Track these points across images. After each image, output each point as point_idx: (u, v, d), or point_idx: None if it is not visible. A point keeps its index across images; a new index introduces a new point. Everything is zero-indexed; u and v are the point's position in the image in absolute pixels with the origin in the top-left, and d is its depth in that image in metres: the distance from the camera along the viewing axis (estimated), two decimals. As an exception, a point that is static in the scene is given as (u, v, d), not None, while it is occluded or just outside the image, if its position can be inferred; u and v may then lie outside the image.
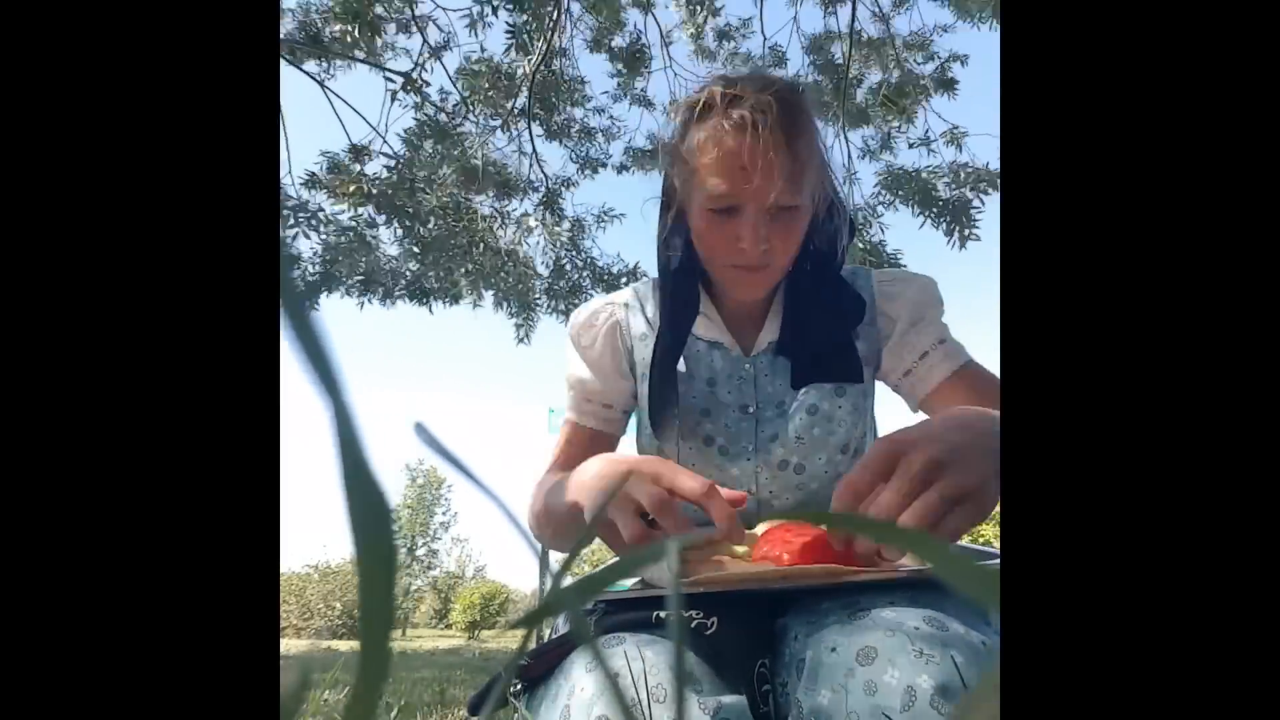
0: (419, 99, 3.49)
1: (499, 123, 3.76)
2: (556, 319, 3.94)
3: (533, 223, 3.81)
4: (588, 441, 0.84)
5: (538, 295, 3.88)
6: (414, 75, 3.43)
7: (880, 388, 0.85)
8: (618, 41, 3.98)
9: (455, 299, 3.83)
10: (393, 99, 3.48)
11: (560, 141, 4.08)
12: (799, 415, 0.76)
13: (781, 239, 0.70)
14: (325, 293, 3.66)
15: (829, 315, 0.77)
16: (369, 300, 3.66)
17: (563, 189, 4.05)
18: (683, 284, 0.79)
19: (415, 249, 3.49)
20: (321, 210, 3.40)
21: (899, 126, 3.89)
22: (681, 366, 0.80)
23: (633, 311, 0.84)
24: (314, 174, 3.44)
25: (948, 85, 3.89)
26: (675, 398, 0.77)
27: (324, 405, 0.09)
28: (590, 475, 0.61)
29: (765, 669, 0.52)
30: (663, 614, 0.52)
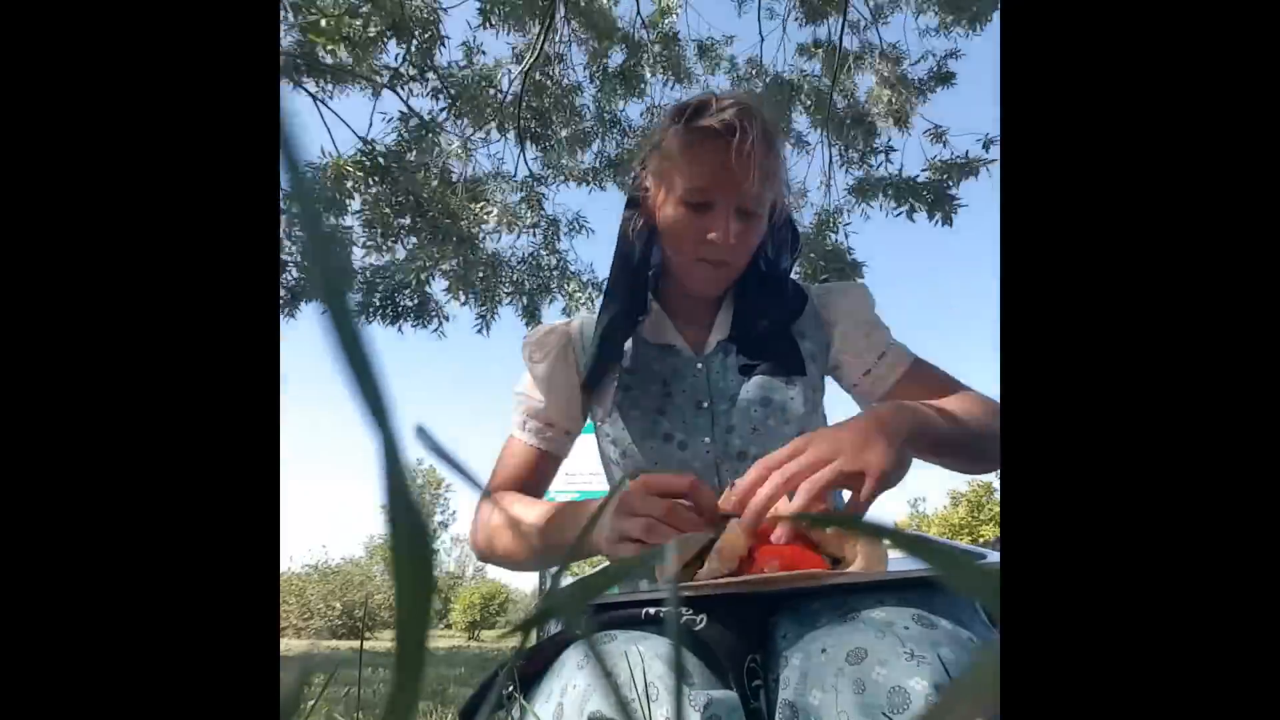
0: (405, 96, 3.51)
1: (490, 125, 3.77)
2: (518, 313, 3.98)
3: (514, 214, 3.82)
4: (532, 460, 0.86)
5: (507, 287, 3.91)
6: (401, 70, 3.44)
7: (835, 389, 0.92)
8: (615, 60, 4.02)
9: (424, 322, 3.85)
10: (376, 95, 3.49)
11: (544, 149, 4.11)
12: (753, 407, 0.80)
13: (743, 239, 0.78)
14: (307, 300, 3.67)
15: (775, 310, 0.85)
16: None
17: (540, 186, 4.07)
18: (634, 281, 0.84)
19: (391, 247, 3.50)
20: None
21: (874, 145, 3.94)
22: (634, 369, 0.84)
23: (586, 327, 0.88)
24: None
25: (945, 79, 3.93)
26: (618, 367, 0.82)
27: (373, 435, 0.09)
28: (587, 511, 0.67)
29: (755, 664, 0.52)
30: (653, 610, 0.53)
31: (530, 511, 0.76)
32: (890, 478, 0.56)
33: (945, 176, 3.35)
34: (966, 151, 3.49)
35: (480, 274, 3.68)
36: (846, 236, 3.70)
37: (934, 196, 3.25)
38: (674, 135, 0.78)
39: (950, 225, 3.26)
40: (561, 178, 4.14)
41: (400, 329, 3.87)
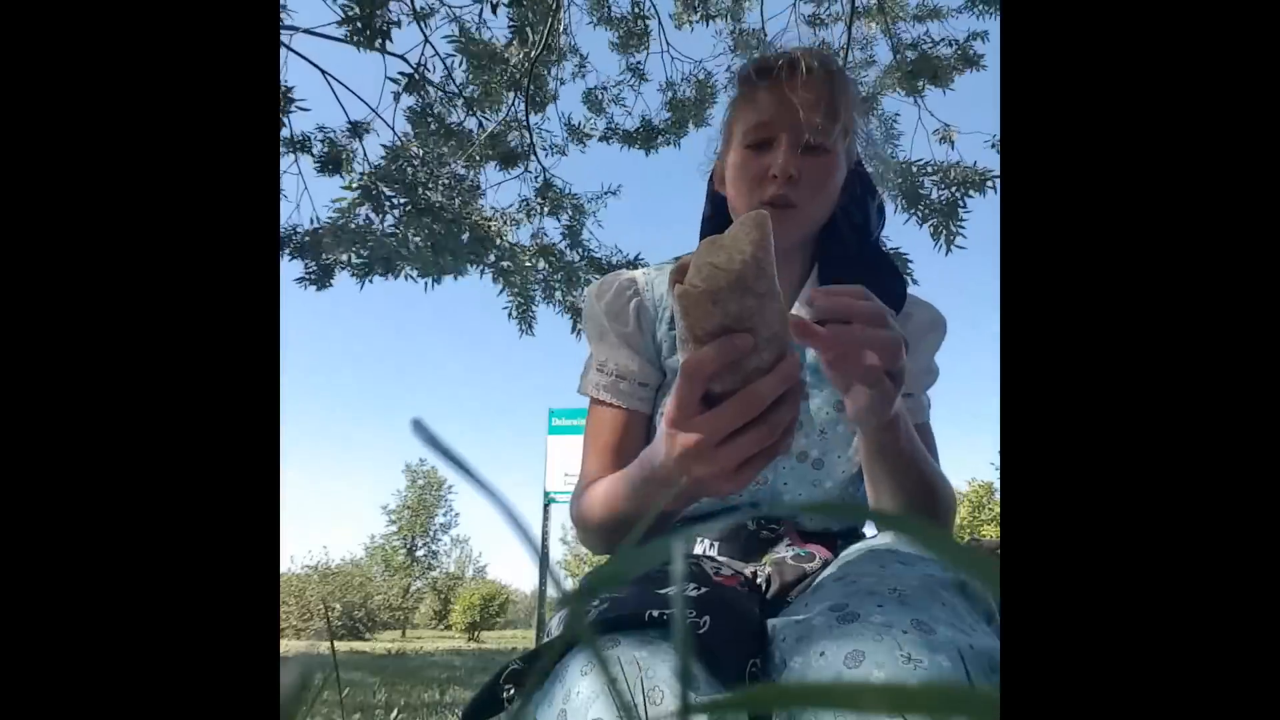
0: (419, 84, 3.50)
1: (502, 110, 3.75)
2: (554, 309, 3.94)
3: (530, 207, 3.80)
4: (630, 423, 0.80)
5: (533, 284, 3.86)
6: (417, 66, 3.44)
7: None
8: (617, 10, 3.96)
9: (439, 277, 3.75)
10: (396, 99, 3.49)
11: (556, 108, 4.02)
12: (824, 409, 0.76)
13: (811, 177, 0.74)
14: (329, 278, 3.64)
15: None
16: (370, 280, 3.63)
17: (558, 156, 3.99)
18: None
19: (408, 229, 3.48)
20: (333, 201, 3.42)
21: (913, 105, 3.81)
22: None
23: (655, 291, 0.83)
24: (322, 161, 3.49)
25: (973, 61, 3.80)
26: None
27: None
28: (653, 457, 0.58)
29: (756, 669, 0.52)
30: (657, 612, 0.52)
31: (611, 494, 0.67)
32: (884, 389, 0.53)
33: (955, 190, 3.24)
34: (976, 162, 3.38)
35: (501, 261, 3.64)
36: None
37: (942, 213, 3.13)
38: (735, 92, 0.78)
39: (949, 254, 3.09)
40: (579, 143, 4.05)
41: (426, 288, 3.72)
